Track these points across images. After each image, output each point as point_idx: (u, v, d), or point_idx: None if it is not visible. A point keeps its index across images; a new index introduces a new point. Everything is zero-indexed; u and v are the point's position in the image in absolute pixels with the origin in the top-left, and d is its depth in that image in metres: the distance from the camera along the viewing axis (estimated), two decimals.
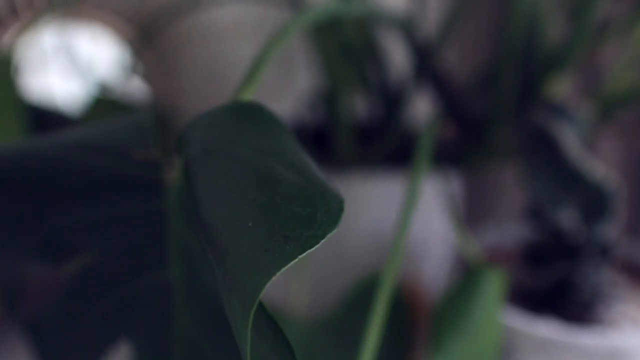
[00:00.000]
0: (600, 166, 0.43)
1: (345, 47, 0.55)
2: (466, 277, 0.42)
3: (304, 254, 0.23)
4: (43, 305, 0.37)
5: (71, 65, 0.72)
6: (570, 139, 0.43)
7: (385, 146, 0.56)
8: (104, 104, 0.55)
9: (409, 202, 0.38)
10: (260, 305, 0.27)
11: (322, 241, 0.24)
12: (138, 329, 0.35)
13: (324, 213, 0.25)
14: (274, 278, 0.23)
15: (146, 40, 0.71)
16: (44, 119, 0.61)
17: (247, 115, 0.29)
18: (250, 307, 0.23)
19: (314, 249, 0.24)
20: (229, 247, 0.25)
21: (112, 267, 0.34)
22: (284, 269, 0.23)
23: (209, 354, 0.32)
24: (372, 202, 0.54)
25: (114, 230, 0.34)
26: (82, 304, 0.36)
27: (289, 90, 0.81)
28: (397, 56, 0.65)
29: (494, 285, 0.41)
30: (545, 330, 0.42)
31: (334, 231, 0.24)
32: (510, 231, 0.57)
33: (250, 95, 0.32)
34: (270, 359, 0.28)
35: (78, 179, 0.33)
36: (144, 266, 0.34)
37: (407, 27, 0.46)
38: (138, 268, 0.34)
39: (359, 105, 0.68)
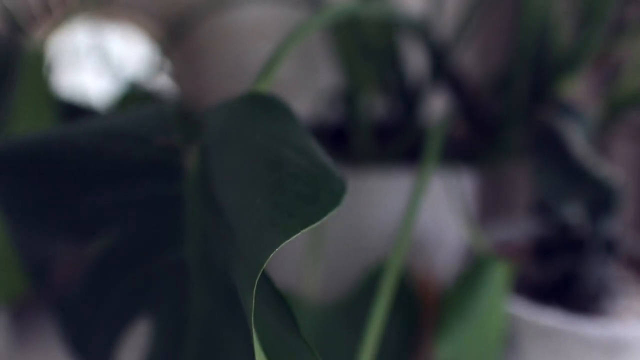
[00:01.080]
0: (605, 164, 0.45)
1: (365, 47, 0.57)
2: (473, 266, 0.44)
3: (307, 228, 0.26)
4: (69, 284, 0.40)
5: (102, 63, 0.75)
6: (576, 137, 0.44)
7: (401, 144, 0.58)
8: (133, 98, 0.57)
9: (416, 193, 0.40)
10: (267, 278, 0.29)
11: (324, 219, 0.26)
12: (156, 306, 0.37)
13: (327, 193, 0.27)
14: (277, 249, 0.25)
15: (174, 39, 0.74)
16: (74, 113, 0.64)
17: (260, 105, 0.31)
18: (256, 275, 0.25)
19: (315, 225, 0.26)
20: (239, 222, 0.27)
21: (133, 246, 0.37)
22: (287, 241, 0.25)
23: (222, 327, 0.34)
24: (387, 197, 0.56)
25: (136, 212, 0.36)
26: (105, 282, 0.38)
27: (311, 89, 0.83)
28: (415, 57, 0.67)
29: (500, 274, 0.43)
30: (549, 319, 0.43)
31: (336, 209, 0.26)
32: (520, 227, 0.58)
33: (265, 87, 0.35)
34: (275, 328, 0.30)
35: (104, 164, 0.36)
36: (163, 246, 0.36)
37: (423, 28, 0.48)
38: (157, 247, 0.36)
39: (378, 105, 0.70)
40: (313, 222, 0.26)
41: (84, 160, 0.36)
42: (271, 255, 0.25)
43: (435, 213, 0.56)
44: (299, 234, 0.25)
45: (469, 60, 0.89)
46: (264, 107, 0.31)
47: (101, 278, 0.38)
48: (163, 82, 0.77)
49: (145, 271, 0.37)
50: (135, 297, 0.38)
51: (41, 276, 0.40)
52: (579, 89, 0.52)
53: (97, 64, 0.75)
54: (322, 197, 0.27)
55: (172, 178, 0.35)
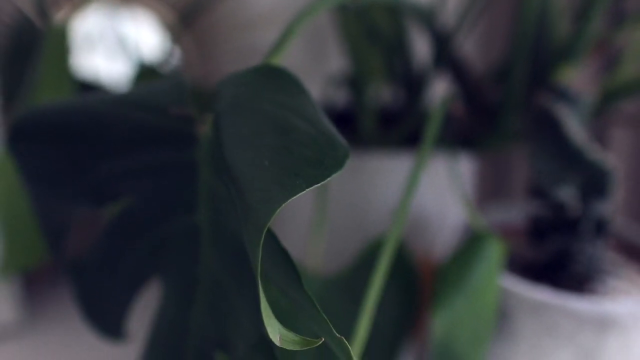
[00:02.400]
0: (598, 148, 0.47)
1: (372, 32, 0.59)
2: (469, 241, 0.46)
3: (311, 187, 0.28)
4: (84, 250, 0.42)
5: (118, 47, 0.77)
6: (571, 122, 0.46)
7: (405, 128, 0.60)
8: (146, 76, 0.59)
9: (417, 167, 0.42)
10: (273, 237, 0.31)
11: (327, 180, 0.28)
12: (168, 268, 0.39)
13: (331, 158, 0.29)
14: (283, 205, 0.27)
15: (186, 25, 0.76)
16: (91, 90, 0.66)
17: (270, 76, 0.33)
18: (262, 228, 0.27)
19: (320, 184, 0.28)
20: (248, 183, 0.30)
21: (147, 211, 0.39)
22: (293, 198, 0.27)
23: (231, 287, 0.36)
24: (390, 177, 0.58)
25: (151, 178, 0.38)
26: (120, 246, 0.40)
27: (320, 75, 0.85)
28: (420, 44, 0.69)
29: (494, 249, 0.45)
30: (541, 293, 0.45)
31: (339, 172, 0.28)
32: (517, 209, 0.60)
33: (275, 61, 0.37)
34: (281, 285, 0.32)
35: (121, 132, 0.38)
36: (176, 210, 0.38)
37: (426, 15, 0.50)
38: (171, 212, 0.39)
39: (385, 90, 0.72)
40: (317, 182, 0.28)
41: (102, 128, 0.38)
42: (278, 210, 0.27)
43: (437, 195, 0.58)
44: (304, 192, 0.27)
45: (472, 49, 0.91)
46: (274, 78, 0.34)
47: (116, 242, 0.41)
48: (174, 68, 0.80)
49: (159, 234, 0.39)
50: (149, 260, 0.40)
51: (59, 242, 0.42)
52: (578, 76, 0.54)
53: (113, 47, 0.77)
54: (327, 161, 0.29)
55: (186, 145, 0.37)
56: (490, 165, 0.92)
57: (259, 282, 0.29)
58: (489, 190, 0.95)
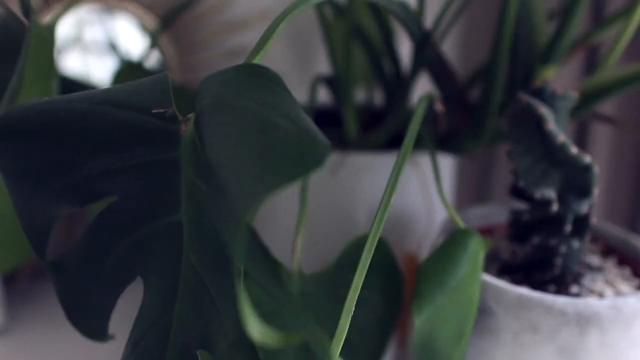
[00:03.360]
0: (577, 147, 0.47)
1: (357, 33, 0.60)
2: (450, 237, 0.46)
3: (290, 183, 0.28)
4: (68, 249, 0.42)
5: (104, 47, 0.78)
6: (550, 119, 0.47)
7: (388, 128, 0.60)
8: (132, 68, 0.59)
9: (398, 167, 0.42)
10: (253, 234, 0.32)
11: (307, 176, 0.28)
12: (151, 267, 0.40)
13: (311, 155, 0.29)
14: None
15: (166, 30, 0.76)
16: (75, 88, 0.66)
17: (252, 75, 0.34)
18: (243, 224, 0.27)
19: (298, 181, 0.28)
20: (229, 180, 0.30)
21: (130, 210, 0.39)
22: (272, 194, 0.27)
23: (213, 285, 0.36)
24: (374, 177, 0.58)
25: (133, 177, 0.38)
26: (102, 245, 0.40)
27: (309, 74, 0.85)
28: (404, 46, 0.69)
29: (475, 245, 0.45)
30: (521, 289, 0.46)
31: (319, 168, 0.29)
32: (500, 208, 0.61)
33: (257, 60, 0.37)
34: (262, 281, 0.32)
35: (104, 131, 0.38)
36: (159, 209, 0.38)
37: (406, 13, 0.51)
38: (154, 211, 0.39)
39: (372, 91, 0.72)
40: (296, 179, 0.28)
41: (85, 127, 0.38)
42: (257, 206, 0.27)
43: (425, 193, 0.59)
44: (283, 189, 0.28)
45: (452, 50, 0.92)
46: (255, 76, 0.34)
47: (98, 242, 0.41)
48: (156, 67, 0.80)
49: (142, 234, 0.39)
50: (132, 259, 0.40)
51: (42, 241, 0.42)
52: (558, 76, 0.55)
53: (97, 46, 0.77)
54: (306, 157, 0.29)
55: (169, 144, 0.37)
56: (472, 165, 0.93)
57: (238, 279, 0.29)
58: (472, 189, 0.95)
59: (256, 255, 0.31)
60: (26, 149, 0.39)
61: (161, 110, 0.37)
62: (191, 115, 0.37)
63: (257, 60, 0.37)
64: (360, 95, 0.75)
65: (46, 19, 0.72)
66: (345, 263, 0.48)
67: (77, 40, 0.76)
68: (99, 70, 0.78)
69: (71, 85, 0.73)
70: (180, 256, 0.38)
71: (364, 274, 0.39)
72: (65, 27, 0.75)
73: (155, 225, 0.39)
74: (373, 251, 0.39)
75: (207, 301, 0.37)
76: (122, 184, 0.39)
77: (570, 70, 0.79)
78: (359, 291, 0.38)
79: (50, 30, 0.51)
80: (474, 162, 0.85)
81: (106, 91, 0.39)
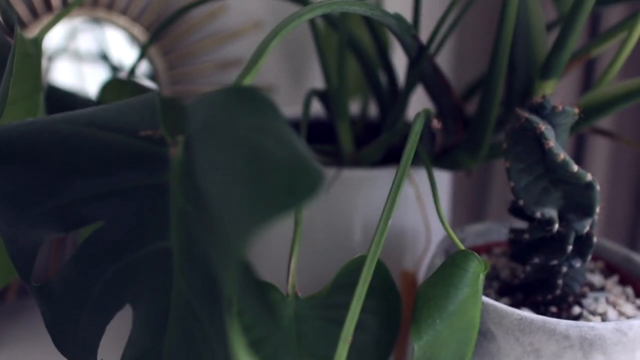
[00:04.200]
0: (577, 164, 0.46)
1: (351, 45, 0.58)
2: (449, 259, 0.45)
3: (283, 215, 0.27)
4: (54, 274, 0.40)
5: (96, 58, 0.76)
6: (550, 136, 0.46)
7: (382, 143, 0.59)
8: (118, 84, 0.58)
9: (396, 186, 0.41)
10: (244, 264, 0.30)
11: (300, 207, 0.27)
12: (140, 295, 0.38)
13: (304, 184, 0.28)
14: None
15: (156, 41, 0.75)
16: (66, 100, 0.65)
17: (242, 97, 0.32)
18: (231, 258, 0.26)
19: (291, 212, 0.27)
20: (219, 211, 0.29)
21: (117, 236, 0.38)
22: (263, 225, 0.26)
23: (203, 314, 0.35)
24: (370, 193, 0.57)
25: (122, 201, 0.37)
26: (90, 271, 0.39)
27: (303, 86, 0.84)
28: (399, 58, 0.68)
29: (475, 267, 0.44)
30: (523, 312, 0.45)
31: (311, 200, 0.27)
32: (497, 226, 0.60)
33: (248, 81, 0.36)
34: (254, 313, 0.31)
35: (91, 154, 0.37)
36: (148, 235, 0.37)
37: (401, 27, 0.49)
38: (142, 237, 0.37)
39: (369, 105, 0.71)
40: (289, 209, 0.27)
41: (70, 149, 0.37)
42: (247, 240, 0.26)
43: (422, 210, 0.58)
44: (275, 220, 0.26)
45: (446, 64, 0.91)
46: (245, 99, 0.33)
47: (85, 268, 0.39)
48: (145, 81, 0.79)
49: (130, 260, 0.38)
50: (120, 286, 0.38)
51: (27, 265, 0.41)
52: (558, 92, 0.53)
53: (93, 57, 0.76)
54: (299, 188, 0.28)
55: (158, 168, 0.36)
56: (469, 180, 0.92)
57: (230, 313, 0.28)
58: (468, 205, 0.94)
59: (249, 288, 0.30)
60: (8, 172, 0.37)
61: (149, 133, 0.36)
62: (180, 138, 0.35)
63: (248, 80, 0.36)
64: (354, 106, 0.74)
65: (34, 32, 0.70)
66: (341, 285, 0.47)
67: (70, 49, 0.75)
68: (92, 80, 0.76)
69: (61, 97, 0.72)
70: (170, 284, 0.37)
71: (362, 301, 0.38)
72: (58, 35, 0.74)
73: (143, 251, 0.38)
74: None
75: (198, 331, 0.36)
76: (108, 209, 0.37)
77: (566, 84, 0.78)
78: (356, 318, 0.37)
79: (36, 44, 0.49)
80: (470, 177, 0.83)
81: (92, 112, 0.38)
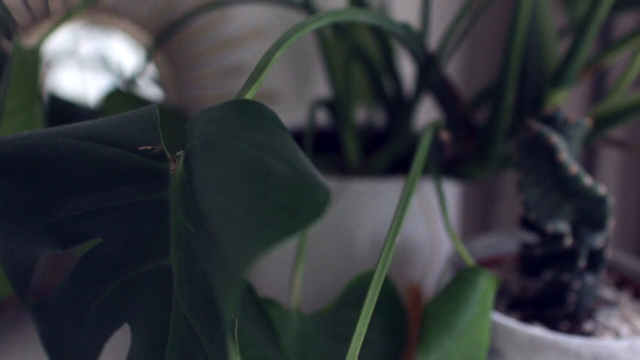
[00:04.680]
0: (591, 177, 0.45)
1: (357, 53, 0.57)
2: (458, 275, 0.43)
3: (288, 240, 0.25)
4: (50, 290, 0.39)
5: (98, 64, 0.75)
6: (563, 148, 0.44)
7: (390, 152, 0.58)
8: (119, 95, 0.57)
9: (404, 199, 0.40)
10: (247, 288, 0.29)
11: (306, 230, 0.26)
12: (139, 314, 0.37)
13: (310, 205, 0.27)
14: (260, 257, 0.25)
15: (160, 47, 0.74)
16: (67, 110, 0.64)
17: (245, 112, 0.31)
18: (233, 284, 0.25)
19: (297, 236, 0.25)
20: (220, 232, 0.27)
21: (116, 253, 0.36)
22: (267, 251, 0.25)
23: (203, 335, 0.34)
24: (377, 204, 0.56)
25: (120, 218, 0.36)
26: (87, 289, 0.38)
27: (307, 95, 0.83)
28: (408, 66, 0.67)
29: (485, 284, 0.43)
30: (533, 329, 0.43)
31: (318, 221, 0.26)
32: (506, 238, 0.58)
33: (251, 94, 0.34)
34: (255, 338, 0.29)
35: (89, 169, 0.35)
36: (147, 253, 0.36)
37: (409, 36, 0.48)
38: (141, 255, 0.36)
39: (375, 113, 0.70)
40: (294, 233, 0.25)
41: (67, 164, 0.35)
42: (249, 264, 0.25)
43: (429, 223, 0.56)
44: (279, 244, 0.25)
45: (455, 72, 0.89)
46: (248, 114, 0.31)
47: (84, 284, 0.38)
48: (150, 91, 0.77)
49: (129, 278, 0.37)
50: (118, 305, 0.37)
51: (23, 281, 0.40)
52: (567, 102, 0.52)
53: (89, 63, 0.75)
54: (305, 208, 0.26)
55: (157, 183, 0.35)
56: (477, 192, 0.90)
57: (230, 337, 0.26)
58: (476, 216, 0.93)
59: (250, 311, 0.28)
60: (3, 186, 0.36)
61: (148, 148, 0.34)
62: (180, 153, 0.34)
63: (251, 93, 0.35)
64: (360, 114, 0.72)
65: (32, 39, 0.69)
66: (347, 301, 0.46)
67: (72, 54, 0.74)
68: (95, 86, 0.75)
69: (62, 107, 0.71)
70: (169, 303, 0.36)
71: (368, 320, 0.36)
72: (60, 40, 0.73)
73: (142, 269, 0.36)
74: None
75: (199, 352, 0.34)
76: (106, 226, 0.36)
77: (574, 93, 0.76)
78: (362, 338, 0.35)
79: (34, 53, 0.48)
80: (478, 187, 0.82)
81: (90, 126, 0.36)
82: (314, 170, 0.29)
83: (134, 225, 0.36)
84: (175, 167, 0.34)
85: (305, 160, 0.29)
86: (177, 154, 0.34)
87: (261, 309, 0.30)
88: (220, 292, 0.27)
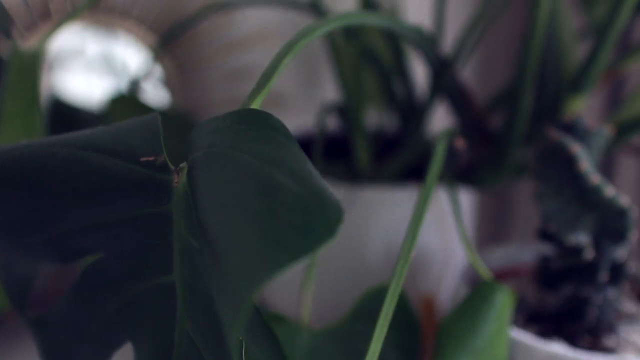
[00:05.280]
0: (613, 187, 0.43)
1: (368, 56, 0.55)
2: (474, 291, 0.42)
3: (298, 262, 0.24)
4: (51, 305, 0.38)
5: (104, 66, 0.74)
6: (584, 157, 0.43)
7: (402, 159, 0.56)
8: (124, 101, 0.56)
9: (420, 208, 0.38)
10: (255, 311, 0.28)
11: (318, 251, 0.24)
12: (141, 332, 0.35)
13: (322, 223, 0.25)
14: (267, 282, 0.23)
15: (166, 47, 0.72)
16: (70, 115, 0.62)
17: (251, 122, 0.30)
18: (241, 312, 0.23)
19: (308, 258, 0.24)
20: (225, 252, 0.25)
21: (119, 268, 0.35)
22: (276, 276, 0.23)
23: (207, 354, 0.32)
24: (387, 214, 0.54)
25: (122, 232, 0.34)
26: (88, 305, 0.36)
27: (315, 99, 0.81)
28: (419, 69, 0.65)
29: (503, 300, 0.41)
30: (553, 346, 0.42)
31: (330, 242, 0.24)
32: (526, 248, 0.56)
33: (258, 103, 0.33)
34: (258, 351, 0.28)
35: (89, 180, 0.34)
36: (149, 269, 0.34)
37: (423, 39, 0.46)
38: (144, 270, 0.34)
39: (382, 116, 0.68)
40: (305, 256, 0.24)
41: (65, 175, 0.34)
42: (257, 289, 0.23)
43: (441, 232, 0.54)
44: (289, 268, 0.24)
45: (468, 76, 0.87)
46: (254, 124, 0.30)
47: (85, 299, 0.36)
48: (156, 93, 0.76)
49: (131, 295, 0.35)
50: (120, 322, 0.36)
51: (22, 297, 0.38)
52: (584, 108, 0.50)
53: (98, 65, 0.74)
54: (316, 228, 0.25)
55: (160, 196, 0.33)
56: (489, 200, 0.88)
57: (234, 354, 0.25)
58: (489, 226, 0.91)
59: (257, 332, 0.27)
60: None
61: (150, 159, 0.33)
62: (184, 165, 0.32)
63: (258, 101, 0.33)
64: (369, 118, 0.70)
65: (32, 41, 0.67)
66: (358, 317, 0.44)
67: (77, 56, 0.73)
68: (100, 89, 0.74)
69: (66, 111, 0.69)
70: (173, 322, 0.34)
71: (382, 339, 0.35)
72: (64, 41, 0.71)
73: (145, 286, 0.35)
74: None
75: None
76: (107, 240, 0.34)
77: (590, 100, 0.74)
78: (377, 357, 0.34)
79: (33, 56, 0.47)
80: (491, 195, 0.80)
81: (89, 135, 0.35)
82: (324, 185, 0.27)
83: (136, 239, 0.34)
84: (179, 179, 0.32)
85: (315, 175, 0.28)
86: (181, 165, 0.32)
87: (268, 330, 0.28)
88: (226, 316, 0.25)
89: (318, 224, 0.25)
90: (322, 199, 0.26)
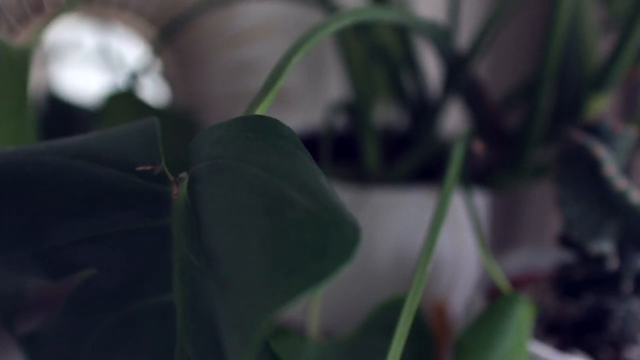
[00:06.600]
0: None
1: (378, 51, 0.53)
2: (493, 305, 0.39)
3: (312, 290, 0.21)
4: (41, 322, 0.35)
5: (101, 60, 0.71)
6: (609, 161, 0.40)
7: (413, 160, 0.53)
8: (121, 98, 0.53)
9: (437, 220, 0.35)
10: (265, 345, 0.25)
11: (334, 276, 0.22)
12: (139, 354, 0.33)
13: (337, 244, 0.22)
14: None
15: (166, 41, 0.70)
16: (67, 113, 0.60)
17: (258, 130, 0.27)
18: (249, 343, 0.21)
19: (323, 285, 0.21)
20: (231, 276, 0.23)
21: (113, 286, 0.32)
22: (288, 305, 0.21)
23: None
24: (398, 217, 0.51)
25: (116, 247, 0.32)
26: (81, 323, 0.34)
27: (321, 96, 0.79)
28: (431, 64, 0.62)
29: (521, 313, 0.39)
30: (574, 359, 0.39)
31: (347, 266, 0.22)
32: (541, 254, 0.54)
33: (265, 107, 0.30)
34: None
35: (81, 190, 0.31)
36: (147, 287, 0.32)
37: (437, 35, 0.44)
38: (141, 287, 0.32)
39: (392, 115, 0.65)
40: (320, 282, 0.21)
41: (56, 185, 0.31)
42: (267, 320, 0.20)
43: (456, 238, 0.52)
44: (303, 296, 0.21)
45: (487, 73, 0.85)
46: (261, 133, 0.27)
47: (77, 317, 0.34)
48: (156, 87, 0.74)
49: (128, 314, 0.33)
50: (116, 342, 0.33)
51: (11, 313, 0.36)
52: (604, 108, 0.48)
53: (96, 59, 0.71)
54: (332, 249, 0.22)
55: (157, 208, 0.31)
56: (501, 203, 0.85)
57: None
58: (501, 230, 0.88)
59: (260, 353, 0.24)
60: None
61: (147, 168, 0.30)
62: (184, 175, 0.30)
63: (265, 106, 0.30)
64: (378, 116, 0.68)
65: (24, 35, 0.65)
66: (370, 330, 0.41)
67: (74, 49, 0.70)
68: (98, 84, 0.71)
69: (62, 109, 0.67)
70: (173, 344, 0.31)
71: (399, 356, 0.32)
72: (61, 34, 0.69)
73: (142, 305, 0.32)
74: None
75: None
76: (101, 256, 0.32)
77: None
78: None
79: (23, 54, 0.44)
80: (503, 198, 0.77)
81: (82, 142, 0.32)
82: (339, 200, 0.25)
83: (132, 255, 0.31)
84: (178, 191, 0.30)
85: (328, 189, 0.25)
86: (181, 175, 0.30)
87: (273, 352, 0.26)
88: (232, 349, 0.23)
89: (333, 244, 0.22)
90: (337, 216, 0.23)
